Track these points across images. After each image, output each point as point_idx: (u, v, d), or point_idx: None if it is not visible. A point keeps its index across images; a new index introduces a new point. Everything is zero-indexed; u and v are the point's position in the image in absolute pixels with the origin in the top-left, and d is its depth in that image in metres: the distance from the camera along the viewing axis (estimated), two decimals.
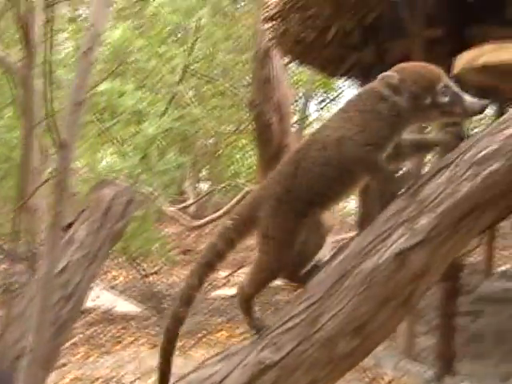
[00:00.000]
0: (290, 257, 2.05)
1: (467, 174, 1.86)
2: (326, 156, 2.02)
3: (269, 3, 6.67)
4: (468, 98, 1.97)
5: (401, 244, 1.88)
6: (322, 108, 16.28)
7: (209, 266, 2.17)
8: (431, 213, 1.87)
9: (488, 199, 1.86)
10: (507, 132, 1.84)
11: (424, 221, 1.88)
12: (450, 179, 1.88)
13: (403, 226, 1.90)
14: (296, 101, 15.16)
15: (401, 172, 2.09)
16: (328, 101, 16.15)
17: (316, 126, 16.12)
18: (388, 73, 2.03)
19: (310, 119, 16.11)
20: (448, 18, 5.98)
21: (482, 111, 1.98)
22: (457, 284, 6.12)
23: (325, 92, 15.83)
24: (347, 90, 14.59)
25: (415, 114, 2.01)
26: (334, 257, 2.01)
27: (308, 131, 16.23)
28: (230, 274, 9.75)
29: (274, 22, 6.75)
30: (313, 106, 15.97)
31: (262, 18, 6.96)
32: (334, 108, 16.14)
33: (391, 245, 1.90)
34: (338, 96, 15.99)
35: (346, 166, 2.01)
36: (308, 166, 2.04)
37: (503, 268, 10.42)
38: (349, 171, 2.02)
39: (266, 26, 7.02)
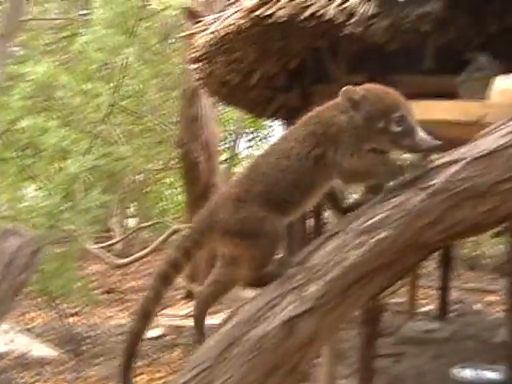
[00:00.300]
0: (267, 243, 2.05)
1: (355, 242, 1.88)
2: (287, 165, 2.04)
3: (195, 44, 6.68)
4: (420, 135, 1.96)
5: (290, 311, 1.89)
6: (251, 146, 16.39)
7: (165, 278, 2.14)
8: (320, 280, 1.88)
9: (376, 267, 1.88)
10: (395, 201, 1.88)
11: (313, 288, 1.89)
12: (339, 247, 1.90)
13: (292, 293, 1.90)
14: (225, 138, 15.26)
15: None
16: (258, 139, 16.30)
17: (245, 163, 16.24)
18: (352, 87, 2.04)
19: (240, 157, 16.21)
20: (370, 65, 6.10)
21: (430, 151, 1.97)
22: (377, 327, 6.16)
23: (255, 130, 15.95)
24: (277, 127, 14.75)
25: (367, 134, 2.01)
26: (224, 323, 2.00)
27: (238, 169, 16.36)
28: None
29: (200, 64, 6.76)
30: (243, 144, 16.10)
31: (189, 58, 6.96)
32: (265, 145, 16.33)
33: (280, 312, 1.90)
34: (268, 134, 16.16)
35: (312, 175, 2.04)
36: (267, 172, 2.06)
37: (426, 308, 10.56)
38: (311, 180, 2.05)
39: (193, 66, 7.03)
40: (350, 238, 1.90)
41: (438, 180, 1.88)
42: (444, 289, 9.76)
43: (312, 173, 2.04)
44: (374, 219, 1.89)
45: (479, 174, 1.85)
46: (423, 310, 10.37)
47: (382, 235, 1.87)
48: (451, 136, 3.60)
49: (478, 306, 10.86)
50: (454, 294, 11.21)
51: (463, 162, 1.88)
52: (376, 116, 1.99)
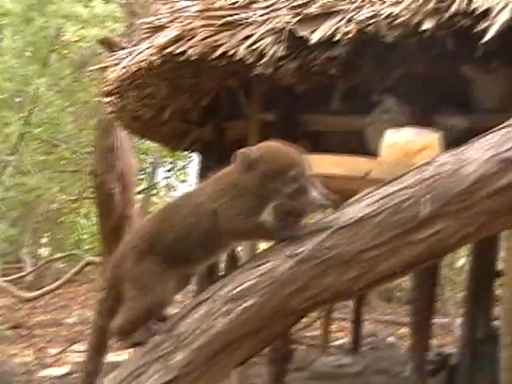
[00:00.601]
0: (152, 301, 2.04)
1: (223, 309, 1.89)
2: (193, 222, 2.05)
3: (107, 78, 6.64)
4: (312, 194, 1.97)
5: (155, 380, 1.88)
6: (170, 176, 16.36)
7: (100, 349, 2.15)
8: (186, 348, 1.88)
9: (243, 335, 1.90)
10: (263, 268, 1.90)
11: (179, 357, 1.88)
12: (207, 314, 1.90)
13: (158, 361, 1.90)
14: (144, 168, 15.17)
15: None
16: (177, 169, 16.26)
17: (165, 193, 16.19)
18: (249, 148, 2.04)
19: (159, 187, 16.15)
20: (281, 104, 6.21)
21: (319, 209, 2.02)
22: (285, 364, 6.18)
23: (174, 160, 15.92)
24: (196, 158, 14.73)
25: (264, 193, 2.01)
26: None
27: (156, 199, 16.29)
28: (60, 352, 9.34)
29: (112, 97, 6.72)
30: (161, 174, 16.05)
31: (102, 91, 6.91)
32: (183, 176, 16.35)
33: (145, 381, 1.88)
34: (186, 164, 16.16)
35: (219, 236, 2.04)
36: (172, 227, 2.07)
37: (340, 342, 10.68)
38: (215, 239, 2.05)
39: (106, 100, 6.98)
40: (217, 305, 1.91)
41: (305, 247, 1.91)
42: (357, 322, 9.88)
43: (214, 231, 2.05)
44: (242, 286, 1.91)
45: (345, 242, 1.89)
46: (337, 343, 10.47)
47: (249, 303, 1.88)
48: (343, 189, 3.69)
49: (391, 339, 11.04)
50: (368, 327, 11.39)
51: (330, 229, 1.92)
52: (271, 175, 1.99)
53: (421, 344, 5.48)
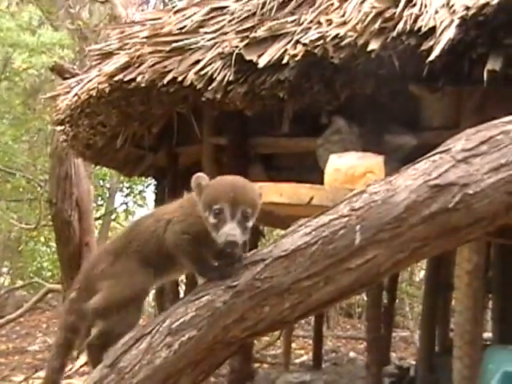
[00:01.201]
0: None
1: (163, 343, 1.93)
2: (156, 228, 2.16)
3: (59, 106, 6.63)
4: (224, 230, 1.97)
5: None
6: (127, 202, 16.31)
7: (67, 344, 2.20)
8: (128, 382, 1.91)
9: (183, 367, 1.93)
10: (203, 300, 1.94)
11: None
12: (149, 348, 1.94)
13: None
14: (102, 194, 15.09)
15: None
16: (134, 193, 16.21)
17: (124, 218, 16.11)
18: (202, 175, 2.09)
19: (117, 212, 16.07)
20: (232, 127, 6.26)
21: (224, 246, 1.99)
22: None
23: (131, 185, 15.86)
24: (154, 182, 14.70)
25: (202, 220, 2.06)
26: None
27: (115, 225, 16.19)
28: (25, 379, 9.22)
29: (64, 126, 6.71)
30: (119, 199, 15.99)
31: (54, 120, 6.90)
32: (141, 200, 16.28)
33: None
34: (144, 188, 16.11)
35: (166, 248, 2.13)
36: (142, 231, 2.19)
37: (302, 359, 10.70)
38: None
39: (58, 128, 6.96)
40: (158, 338, 1.95)
41: (241, 280, 1.96)
42: (318, 339, 9.92)
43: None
44: (181, 320, 1.95)
45: (280, 273, 1.94)
46: (299, 360, 10.50)
47: (188, 336, 1.92)
48: (288, 214, 3.75)
49: (352, 355, 11.10)
50: (329, 343, 11.45)
51: (268, 260, 1.96)
52: (203, 204, 2.05)
53: (377, 359, 5.55)
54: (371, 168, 3.18)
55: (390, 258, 1.92)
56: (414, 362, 9.34)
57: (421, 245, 1.92)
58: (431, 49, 4.24)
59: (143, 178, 13.94)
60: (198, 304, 1.96)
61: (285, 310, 1.94)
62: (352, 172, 3.18)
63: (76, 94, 6.07)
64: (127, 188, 16.03)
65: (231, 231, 1.97)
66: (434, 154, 1.98)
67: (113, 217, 15.78)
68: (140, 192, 16.18)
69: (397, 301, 9.68)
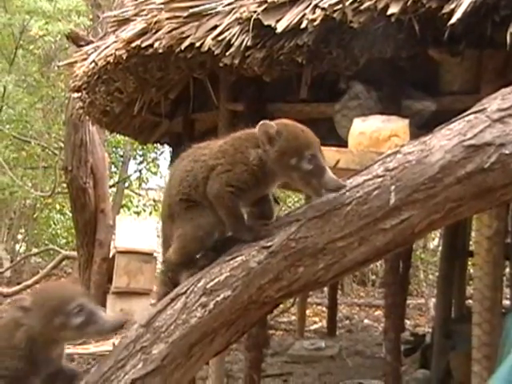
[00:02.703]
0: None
1: (198, 302, 1.94)
2: (192, 167, 2.12)
3: (76, 73, 6.61)
4: (329, 175, 1.99)
5: (134, 373, 1.92)
6: (141, 170, 16.34)
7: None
8: (163, 342, 1.93)
9: (217, 327, 1.94)
10: (237, 260, 1.94)
11: (156, 350, 1.93)
12: (183, 308, 1.95)
13: (137, 355, 1.94)
14: (113, 163, 15.11)
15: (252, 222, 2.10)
16: (148, 161, 16.26)
17: (137, 186, 16.15)
18: (269, 122, 2.07)
19: (130, 180, 16.12)
20: (249, 93, 6.22)
21: (335, 191, 1.99)
22: (262, 351, 6.24)
23: (145, 152, 15.91)
24: (167, 149, 14.74)
25: (279, 168, 2.05)
26: None
27: (129, 192, 16.24)
28: None
29: (81, 93, 6.69)
30: (133, 166, 16.02)
31: (71, 87, 6.88)
32: (155, 167, 16.32)
33: (124, 375, 1.92)
34: (157, 156, 16.17)
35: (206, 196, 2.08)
36: (175, 176, 2.17)
37: (316, 326, 10.78)
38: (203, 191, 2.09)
39: (75, 95, 6.95)
40: (193, 298, 1.96)
41: (276, 240, 1.96)
42: (332, 306, 9.99)
43: (201, 185, 2.10)
44: (216, 280, 1.96)
45: (314, 233, 1.94)
46: (313, 327, 10.57)
47: (222, 296, 1.93)
48: None
49: (366, 322, 11.16)
50: (343, 310, 11.51)
51: (302, 220, 1.96)
52: (289, 152, 2.03)
53: (395, 326, 5.56)
54: (396, 131, 3.16)
55: (424, 218, 1.91)
56: (428, 330, 9.38)
57: (456, 205, 1.91)
58: (452, 12, 4.17)
59: (156, 146, 14.00)
60: (232, 264, 1.96)
61: (319, 271, 1.94)
62: (377, 135, 3.16)
63: (93, 61, 6.03)
64: (140, 156, 16.07)
65: (333, 177, 1.98)
66: (468, 114, 1.96)
67: (126, 184, 15.82)
68: (153, 159, 16.23)
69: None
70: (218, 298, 1.93)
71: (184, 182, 2.11)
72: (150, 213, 16.36)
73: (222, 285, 1.94)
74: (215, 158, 2.10)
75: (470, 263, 8.51)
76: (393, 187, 1.90)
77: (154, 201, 16.51)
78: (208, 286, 1.96)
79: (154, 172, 16.44)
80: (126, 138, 13.57)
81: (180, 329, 1.93)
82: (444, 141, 1.91)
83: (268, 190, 2.15)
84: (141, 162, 16.21)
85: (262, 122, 2.07)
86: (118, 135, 13.56)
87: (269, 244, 1.96)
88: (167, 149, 13.70)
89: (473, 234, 7.68)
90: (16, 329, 1.98)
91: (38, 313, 1.96)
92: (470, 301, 9.00)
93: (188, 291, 1.98)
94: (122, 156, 15.47)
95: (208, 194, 2.08)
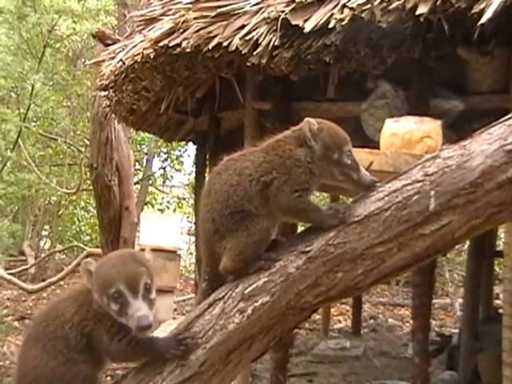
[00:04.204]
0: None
1: (236, 308, 1.93)
2: (238, 180, 2.06)
3: (103, 72, 6.63)
4: (363, 171, 2.06)
5: (171, 380, 1.91)
6: (165, 167, 16.39)
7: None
8: (201, 348, 1.92)
9: (255, 332, 1.93)
10: (276, 265, 1.93)
11: (195, 355, 1.92)
12: (221, 314, 1.94)
13: (174, 361, 1.93)
14: (140, 159, 15.16)
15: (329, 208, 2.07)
16: (172, 158, 16.30)
17: (161, 183, 16.21)
18: (311, 119, 2.09)
19: (154, 177, 16.17)
20: (276, 92, 6.21)
21: (370, 186, 2.02)
22: (287, 351, 6.22)
23: (170, 150, 15.95)
24: (190, 147, 14.78)
25: (323, 165, 2.07)
26: None
27: (153, 189, 16.30)
28: None
29: (108, 91, 6.72)
30: (157, 164, 16.07)
31: (98, 85, 6.90)
32: (178, 165, 16.34)
33: (162, 381, 1.92)
34: (182, 153, 16.19)
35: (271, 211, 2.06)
36: (219, 192, 2.09)
37: (340, 325, 10.74)
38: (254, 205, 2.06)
39: (101, 93, 6.98)
40: (230, 304, 1.95)
41: (314, 245, 1.94)
42: (357, 306, 9.96)
43: (255, 197, 2.06)
44: (254, 285, 1.94)
45: (353, 239, 1.92)
46: (337, 327, 10.54)
47: (260, 301, 1.92)
48: None
49: (391, 321, 11.10)
50: (368, 310, 11.46)
51: (340, 226, 1.95)
52: (331, 147, 2.07)
53: (423, 327, 5.52)
54: (429, 133, 3.12)
55: (464, 223, 1.89)
56: (454, 330, 9.31)
57: (496, 210, 1.89)
58: (482, 11, 4.13)
59: (180, 143, 14.03)
60: (270, 269, 1.95)
61: (358, 276, 1.93)
62: (409, 137, 3.12)
63: (120, 60, 6.05)
64: (164, 153, 16.12)
65: (368, 173, 2.02)
66: (509, 118, 1.93)
67: (150, 181, 15.87)
68: (177, 157, 16.26)
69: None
70: (256, 304, 1.92)
71: (233, 196, 2.06)
72: (174, 210, 16.41)
73: (260, 290, 1.93)
74: (265, 172, 2.07)
75: (496, 263, 8.43)
76: (432, 192, 1.88)
77: (178, 198, 16.56)
78: (246, 292, 1.95)
79: (178, 169, 16.48)
80: (151, 136, 13.68)
81: (218, 335, 1.92)
82: (484, 145, 1.88)
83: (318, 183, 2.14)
84: (165, 160, 16.26)
85: (306, 120, 2.09)
86: (142, 133, 13.66)
87: (307, 249, 1.94)
88: (191, 146, 13.73)
89: (502, 234, 7.62)
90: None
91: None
92: (497, 301, 8.95)
93: (226, 296, 1.97)
94: (146, 153, 15.52)
95: (275, 211, 2.06)
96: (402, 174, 1.97)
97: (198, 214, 2.22)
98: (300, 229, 5.20)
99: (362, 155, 2.91)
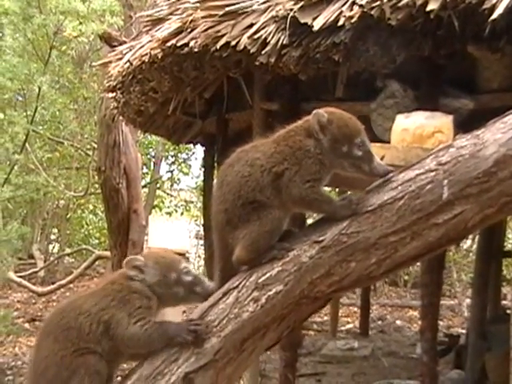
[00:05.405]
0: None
1: (250, 297, 1.93)
2: (250, 171, 2.08)
3: (110, 73, 6.64)
4: (377, 160, 2.06)
5: (187, 367, 1.92)
6: (172, 170, 16.41)
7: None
8: (216, 336, 1.92)
9: (269, 321, 1.93)
10: (290, 255, 1.94)
11: (209, 344, 1.92)
12: (235, 303, 1.94)
13: (189, 349, 1.93)
14: (145, 164, 15.15)
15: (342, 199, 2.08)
16: (180, 161, 16.31)
17: (169, 187, 16.20)
18: (321, 111, 2.09)
19: (162, 180, 16.18)
20: (284, 93, 6.20)
21: (384, 176, 2.03)
22: (296, 350, 6.22)
23: (177, 153, 15.96)
24: (198, 150, 14.80)
25: (332, 157, 2.07)
26: (124, 380, 2.01)
27: (160, 193, 16.30)
28: None
29: (115, 93, 6.72)
30: (164, 167, 16.09)
31: (105, 87, 6.92)
32: (186, 168, 16.35)
33: (177, 368, 1.92)
34: (190, 156, 16.20)
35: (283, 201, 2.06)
36: (231, 183, 2.11)
37: (348, 326, 10.73)
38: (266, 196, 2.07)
39: (109, 95, 6.98)
40: (245, 293, 1.95)
41: (329, 234, 1.94)
42: (365, 307, 9.95)
43: (267, 188, 2.07)
44: (268, 275, 1.95)
45: (366, 228, 1.92)
46: (345, 328, 10.53)
47: (274, 290, 1.93)
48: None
49: (398, 322, 11.09)
50: (375, 311, 11.44)
51: (351, 217, 1.95)
52: (340, 140, 2.07)
53: (431, 325, 5.50)
54: (440, 128, 3.12)
55: (478, 213, 1.89)
56: (462, 331, 9.29)
57: (510, 200, 1.88)
58: (493, 7, 4.11)
59: (187, 147, 14.04)
60: (283, 259, 1.95)
61: (371, 266, 1.93)
62: (420, 132, 3.12)
63: (128, 61, 6.05)
64: (172, 156, 16.13)
65: (381, 163, 2.06)
66: None
67: (158, 185, 15.87)
68: (185, 160, 16.28)
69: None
70: (270, 293, 1.92)
71: (245, 187, 2.07)
72: (182, 213, 16.41)
73: (274, 279, 1.94)
74: (276, 163, 2.08)
75: (504, 264, 8.40)
76: (446, 181, 1.88)
77: (186, 201, 16.56)
78: (260, 281, 1.95)
79: (186, 173, 16.48)
80: (158, 139, 13.69)
81: (232, 323, 1.93)
82: (498, 134, 1.88)
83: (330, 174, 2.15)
84: (172, 163, 16.27)
85: (314, 112, 2.09)
86: (149, 136, 13.69)
87: (320, 239, 1.95)
88: (199, 149, 13.76)
89: (510, 235, 7.61)
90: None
91: (153, 269, 2.11)
92: (505, 301, 8.93)
93: (240, 285, 1.98)
94: (153, 157, 15.53)
95: (288, 202, 2.07)
96: (415, 163, 1.96)
97: (211, 207, 2.22)
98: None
99: (373, 149, 2.92)
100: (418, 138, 3.08)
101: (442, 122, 3.18)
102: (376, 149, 2.73)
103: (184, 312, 11.03)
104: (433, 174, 1.90)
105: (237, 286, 1.99)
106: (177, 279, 2.10)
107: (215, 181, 2.22)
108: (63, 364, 1.99)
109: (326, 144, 2.06)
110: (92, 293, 2.15)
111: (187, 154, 16.07)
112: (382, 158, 2.61)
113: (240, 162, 2.12)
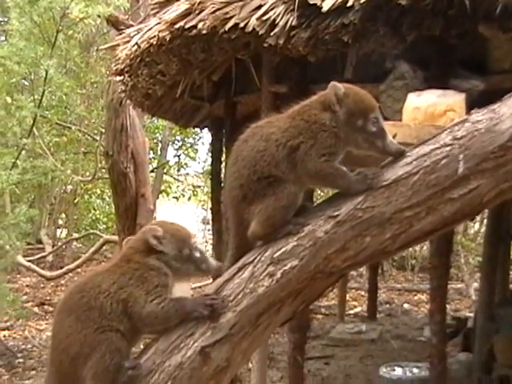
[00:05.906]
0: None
1: (266, 272, 1.94)
2: (265, 146, 2.08)
3: (118, 56, 6.63)
4: (390, 138, 2.06)
5: (203, 341, 1.93)
6: (179, 155, 16.40)
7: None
8: (231, 311, 1.93)
9: (284, 296, 1.94)
10: (305, 230, 1.94)
11: (225, 318, 1.93)
12: (251, 277, 1.95)
13: (205, 323, 1.94)
14: (152, 149, 15.15)
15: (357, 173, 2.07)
16: (187, 146, 16.30)
17: (176, 171, 16.21)
18: (337, 83, 2.11)
19: (169, 165, 16.18)
20: (292, 75, 6.17)
21: (396, 155, 2.03)
22: (305, 333, 6.23)
23: (184, 137, 15.96)
24: (206, 135, 14.78)
25: (347, 131, 2.07)
26: (141, 354, 2.02)
27: (168, 177, 16.30)
28: None
29: (123, 76, 6.70)
30: (172, 151, 16.09)
31: (113, 70, 6.90)
32: (193, 153, 16.36)
33: (194, 342, 1.93)
34: (196, 141, 16.20)
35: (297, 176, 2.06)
36: (246, 158, 2.12)
37: (356, 310, 10.76)
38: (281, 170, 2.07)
39: (117, 78, 6.97)
40: (260, 268, 1.95)
41: (342, 210, 1.94)
42: (373, 290, 9.96)
43: (282, 162, 2.07)
44: (283, 249, 1.95)
45: (381, 203, 1.92)
46: (353, 311, 10.55)
47: (289, 265, 1.93)
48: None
49: (406, 306, 11.10)
50: (383, 295, 11.46)
51: (366, 191, 1.94)
52: (356, 114, 2.07)
53: (440, 307, 5.51)
54: (452, 106, 3.10)
55: (493, 187, 1.88)
56: (469, 314, 9.30)
57: None
58: None
59: (195, 131, 14.02)
60: (299, 234, 1.95)
61: (386, 241, 1.93)
62: (432, 110, 3.10)
63: (136, 43, 6.03)
64: (179, 141, 16.13)
65: (393, 141, 2.05)
66: None
67: (165, 170, 15.87)
68: (192, 145, 16.27)
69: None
70: (285, 268, 1.93)
71: (261, 161, 2.07)
72: (189, 198, 16.43)
73: (289, 254, 1.94)
74: (292, 137, 2.08)
75: None
76: (461, 156, 1.88)
77: (193, 186, 16.57)
78: (275, 256, 1.96)
79: (193, 157, 16.47)
80: (165, 124, 13.68)
81: (247, 298, 1.94)
82: None
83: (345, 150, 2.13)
84: (179, 148, 16.27)
85: (331, 84, 2.12)
86: (156, 121, 13.68)
87: (335, 213, 1.95)
88: (206, 134, 13.74)
89: None
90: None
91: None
92: None
93: (255, 260, 1.98)
94: (160, 141, 15.51)
95: (303, 176, 2.06)
96: (430, 138, 1.96)
97: (222, 188, 2.23)
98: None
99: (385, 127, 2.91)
100: (430, 117, 3.06)
101: (454, 100, 3.16)
102: (388, 127, 2.71)
103: (192, 296, 11.10)
104: (448, 148, 1.90)
105: (252, 261, 1.99)
106: (189, 254, 2.12)
107: (229, 157, 2.21)
108: (86, 341, 2.01)
109: (342, 117, 2.06)
110: (108, 269, 2.15)
111: (194, 138, 16.07)
112: (394, 136, 2.60)
113: (255, 137, 2.12)
